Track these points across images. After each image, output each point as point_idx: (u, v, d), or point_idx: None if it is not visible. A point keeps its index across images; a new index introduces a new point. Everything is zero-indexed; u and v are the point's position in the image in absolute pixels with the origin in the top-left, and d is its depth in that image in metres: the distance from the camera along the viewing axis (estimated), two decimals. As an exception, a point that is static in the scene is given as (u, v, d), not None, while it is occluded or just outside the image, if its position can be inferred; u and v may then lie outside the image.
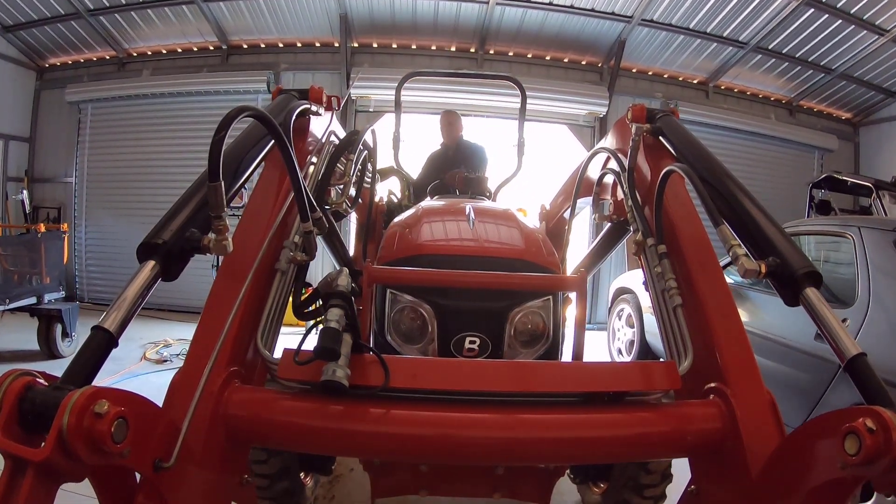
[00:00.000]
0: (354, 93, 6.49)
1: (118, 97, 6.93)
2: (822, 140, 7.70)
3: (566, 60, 7.05)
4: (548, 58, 7.01)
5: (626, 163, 1.66)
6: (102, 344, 0.91)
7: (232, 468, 1.07)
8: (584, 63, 7.09)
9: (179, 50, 6.99)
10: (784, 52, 6.77)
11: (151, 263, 1.03)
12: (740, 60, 6.91)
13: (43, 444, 0.69)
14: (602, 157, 1.92)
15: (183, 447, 0.85)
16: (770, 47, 6.70)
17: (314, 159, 1.65)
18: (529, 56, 7.00)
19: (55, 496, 0.73)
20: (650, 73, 7.25)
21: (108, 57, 7.08)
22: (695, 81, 7.40)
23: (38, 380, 0.74)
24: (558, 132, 7.12)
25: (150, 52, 7.01)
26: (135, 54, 7.05)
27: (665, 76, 7.32)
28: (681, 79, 7.36)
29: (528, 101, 3.19)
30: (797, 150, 7.74)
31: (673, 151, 1.57)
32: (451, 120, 3.32)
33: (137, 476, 0.86)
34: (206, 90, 6.72)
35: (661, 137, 1.64)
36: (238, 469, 1.09)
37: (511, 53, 6.96)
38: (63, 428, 0.68)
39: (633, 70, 7.17)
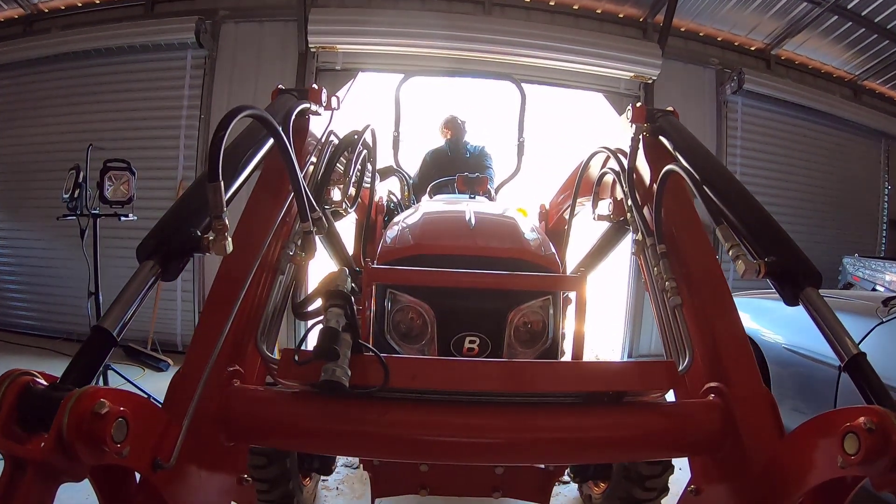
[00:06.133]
0: (315, 41, 4.94)
1: (21, 62, 5.46)
2: (891, 125, 6.60)
3: (599, 11, 5.53)
4: (576, 7, 5.48)
5: (625, 162, 1.66)
6: (102, 343, 0.91)
7: (231, 468, 1.07)
8: (621, 16, 5.55)
9: (97, 1, 5.56)
10: (863, 14, 5.54)
11: (150, 263, 1.03)
12: (813, 22, 5.58)
13: (42, 443, 0.69)
14: (602, 156, 1.92)
15: (182, 447, 0.85)
16: (849, 7, 5.44)
17: (314, 159, 1.65)
18: (552, 3, 5.47)
19: (55, 496, 0.73)
20: (701, 35, 5.82)
21: (16, 16, 5.63)
22: (752, 48, 6.05)
23: (37, 379, 0.74)
24: (592, 101, 5.57)
25: (63, 7, 5.61)
26: (46, 10, 5.63)
27: (719, 39, 5.88)
28: (736, 44, 5.97)
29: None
30: (861, 137, 6.63)
31: (673, 151, 1.57)
32: (455, 123, 3.37)
33: (137, 476, 0.86)
34: (124, 45, 5.18)
35: (661, 137, 1.64)
36: (238, 469, 1.09)
37: (528, 0, 5.47)
38: (62, 427, 0.68)
39: (682, 29, 5.68)
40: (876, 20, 5.63)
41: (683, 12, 5.44)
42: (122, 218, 3.57)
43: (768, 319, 2.87)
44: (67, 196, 3.57)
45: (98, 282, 3.60)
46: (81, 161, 3.59)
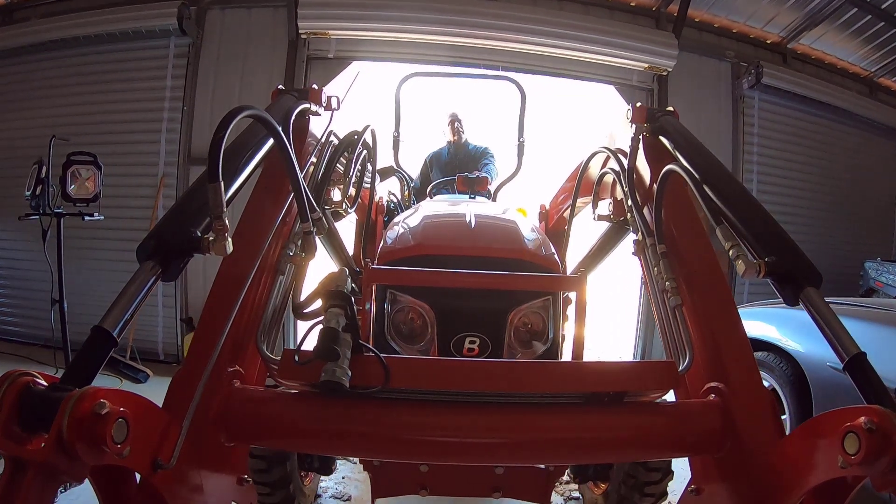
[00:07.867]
0: (305, 27, 4.65)
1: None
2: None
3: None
4: (585, -6, 5.21)
5: (626, 162, 1.66)
6: (102, 344, 0.91)
7: (232, 468, 1.07)
8: (633, 4, 5.32)
9: (78, -16, 5.11)
10: (882, 7, 5.33)
11: (150, 264, 1.03)
12: (831, 15, 5.35)
13: (43, 444, 0.69)
14: (602, 156, 1.92)
15: (183, 447, 0.85)
16: (868, -1, 5.23)
17: (314, 159, 1.66)
18: (560, -12, 5.21)
19: (55, 496, 0.73)
20: (716, 26, 5.59)
21: (-5, 7, 5.32)
22: (768, 42, 5.85)
23: (37, 380, 0.74)
24: (603, 94, 5.30)
25: (44, -6, 5.22)
26: (26, -2, 5.27)
27: (734, 31, 5.66)
28: (752, 36, 5.75)
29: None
30: (877, 136, 6.47)
31: (673, 151, 1.57)
32: (456, 122, 3.41)
33: (137, 476, 0.86)
34: (102, 33, 4.86)
35: (661, 137, 1.64)
36: (238, 469, 1.09)
37: (534, -15, 5.15)
38: (63, 428, 0.68)
39: (696, 20, 5.46)
40: (895, 14, 5.43)
41: (698, 1, 5.17)
42: (87, 217, 3.23)
43: (807, 334, 2.44)
44: (30, 193, 3.29)
45: (62, 288, 3.28)
46: (51, 155, 3.29)
